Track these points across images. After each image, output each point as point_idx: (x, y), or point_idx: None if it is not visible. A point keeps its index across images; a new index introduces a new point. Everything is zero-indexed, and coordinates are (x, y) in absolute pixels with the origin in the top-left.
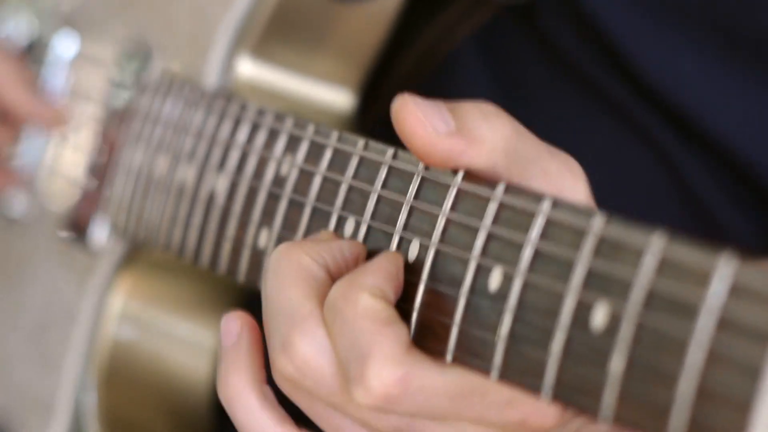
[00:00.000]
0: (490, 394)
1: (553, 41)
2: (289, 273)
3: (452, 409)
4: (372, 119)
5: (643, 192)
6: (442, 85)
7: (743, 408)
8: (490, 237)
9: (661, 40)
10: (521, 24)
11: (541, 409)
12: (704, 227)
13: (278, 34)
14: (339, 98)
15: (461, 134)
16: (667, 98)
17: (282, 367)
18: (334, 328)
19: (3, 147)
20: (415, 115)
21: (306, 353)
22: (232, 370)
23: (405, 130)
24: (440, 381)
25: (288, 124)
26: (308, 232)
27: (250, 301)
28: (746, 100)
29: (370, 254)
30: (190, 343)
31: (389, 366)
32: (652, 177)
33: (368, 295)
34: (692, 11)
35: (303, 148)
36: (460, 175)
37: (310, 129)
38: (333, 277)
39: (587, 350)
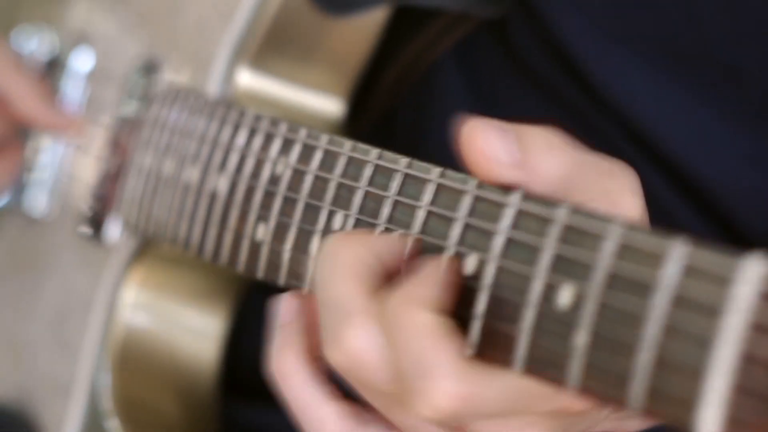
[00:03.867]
0: (540, 389)
1: (522, 55)
2: (341, 267)
3: (506, 410)
4: (361, 125)
5: None
6: (423, 95)
7: (696, 376)
8: (465, 227)
9: (617, 58)
10: (495, 38)
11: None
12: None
13: (274, 47)
14: (330, 106)
15: (523, 167)
16: (621, 110)
17: (334, 358)
18: (393, 340)
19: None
20: (480, 143)
21: (357, 347)
22: (285, 346)
23: (470, 156)
24: (499, 390)
25: (282, 129)
26: (302, 225)
27: (252, 291)
28: (690, 112)
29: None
30: (197, 329)
31: (452, 383)
32: None
33: (426, 309)
34: (646, 32)
35: (296, 150)
36: (438, 171)
37: (303, 132)
38: (386, 269)
39: (554, 326)
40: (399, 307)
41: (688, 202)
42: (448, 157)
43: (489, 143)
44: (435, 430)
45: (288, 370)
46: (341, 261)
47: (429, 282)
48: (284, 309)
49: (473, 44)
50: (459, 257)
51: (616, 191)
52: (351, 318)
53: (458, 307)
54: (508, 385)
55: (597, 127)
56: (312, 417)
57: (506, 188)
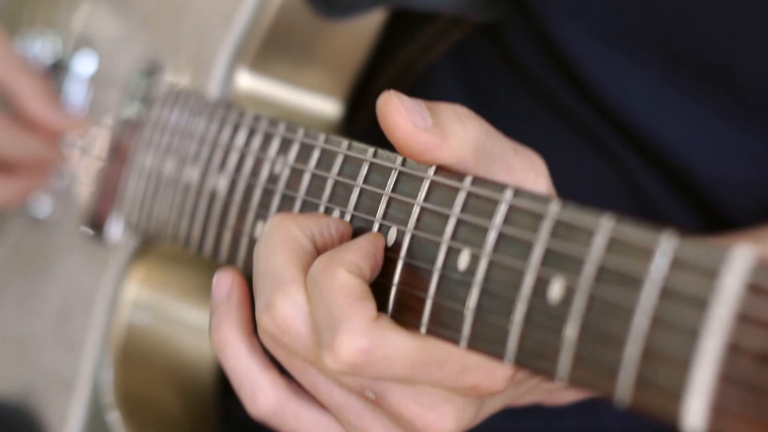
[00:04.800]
0: (448, 363)
1: (517, 57)
2: (278, 240)
3: (412, 375)
4: (357, 126)
5: (598, 194)
6: (419, 97)
7: (683, 366)
8: (459, 222)
9: (613, 60)
10: (490, 41)
11: (492, 376)
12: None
13: (273, 50)
14: (327, 107)
15: (437, 130)
16: (617, 111)
17: (264, 323)
18: (313, 297)
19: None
20: (397, 109)
21: (285, 313)
22: (223, 320)
23: (388, 122)
24: (401, 351)
25: (281, 129)
26: None
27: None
28: (686, 114)
29: (355, 234)
30: (196, 326)
31: (356, 337)
32: (605, 181)
33: (345, 271)
34: (641, 34)
35: (294, 149)
36: (433, 168)
37: (300, 132)
38: (318, 250)
39: (545, 319)
40: (321, 265)
41: (682, 199)
42: None
43: (405, 107)
44: (349, 398)
45: (226, 341)
46: (276, 237)
47: (352, 249)
48: (220, 285)
49: (469, 47)
50: (452, 253)
51: (519, 168)
52: (283, 286)
53: (451, 301)
54: (411, 347)
55: (592, 128)
56: (248, 386)
57: (460, 176)
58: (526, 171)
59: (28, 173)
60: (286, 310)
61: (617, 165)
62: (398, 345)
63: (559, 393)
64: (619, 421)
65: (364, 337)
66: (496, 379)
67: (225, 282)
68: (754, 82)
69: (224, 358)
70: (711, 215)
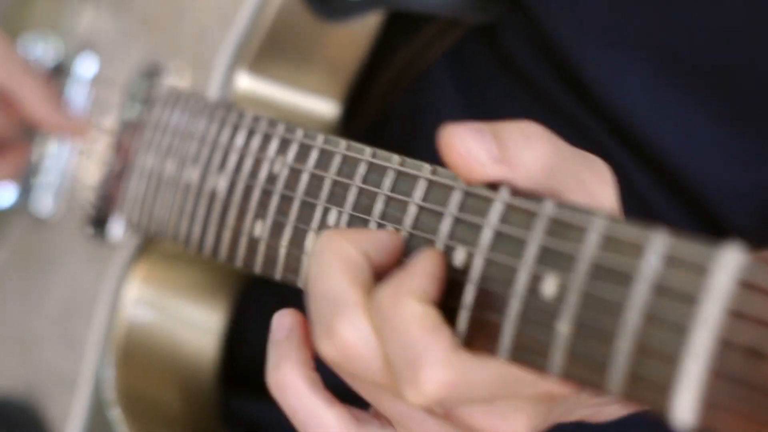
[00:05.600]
0: (525, 379)
1: (513, 58)
2: (333, 260)
3: (493, 395)
4: (355, 127)
5: None
6: (416, 98)
7: (674, 361)
8: (455, 221)
9: (610, 61)
10: (486, 42)
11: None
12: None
13: (272, 52)
14: (325, 108)
15: (504, 162)
16: (613, 113)
17: (326, 351)
18: (383, 331)
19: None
20: (457, 147)
21: (349, 339)
22: (283, 359)
23: (451, 161)
24: (485, 376)
25: (280, 129)
26: (298, 222)
27: (251, 285)
28: (682, 116)
29: (405, 246)
30: (197, 323)
31: (441, 371)
32: None
33: (415, 301)
34: (639, 36)
35: (293, 149)
36: (430, 168)
37: (299, 133)
38: (374, 266)
39: (539, 316)
40: (389, 298)
41: (677, 201)
42: (440, 160)
43: (467, 145)
44: (424, 417)
45: (286, 383)
46: (329, 257)
47: (417, 274)
48: (280, 324)
49: (465, 49)
50: (448, 251)
51: (591, 181)
52: (343, 310)
53: (447, 299)
54: (493, 371)
55: (588, 129)
56: (315, 424)
57: (493, 186)
58: (598, 183)
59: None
60: (349, 335)
61: (613, 166)
62: (482, 370)
63: (605, 409)
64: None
65: (448, 368)
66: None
67: (285, 321)
68: (751, 86)
69: (285, 398)
70: (705, 217)
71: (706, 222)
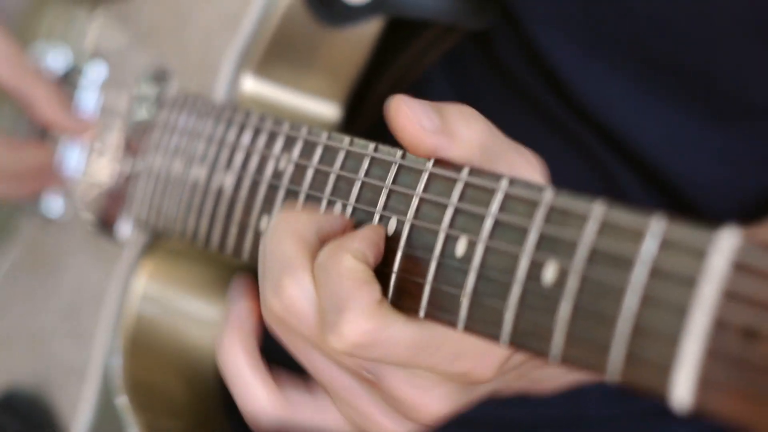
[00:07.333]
0: (443, 348)
1: (504, 64)
2: (285, 232)
3: (410, 358)
4: (355, 129)
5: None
6: None
7: (671, 342)
8: (456, 211)
9: (592, 66)
10: (480, 48)
11: (482, 364)
12: None
13: (276, 55)
14: (327, 111)
15: (444, 132)
16: (597, 115)
17: (272, 305)
18: (320, 281)
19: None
20: (406, 113)
21: (292, 295)
22: (232, 330)
23: (397, 126)
24: (402, 334)
25: (285, 127)
26: None
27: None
28: (663, 117)
29: (356, 229)
30: (202, 318)
31: (361, 318)
32: (587, 183)
33: (351, 256)
34: (619, 41)
35: (298, 146)
36: (431, 161)
37: (304, 130)
38: (322, 240)
39: (539, 301)
40: (329, 251)
41: (660, 200)
42: None
43: (414, 112)
44: (351, 381)
45: (229, 354)
46: (285, 228)
47: (357, 238)
48: (233, 292)
49: (460, 55)
50: (450, 240)
51: (519, 165)
52: (291, 270)
53: (448, 286)
54: (412, 332)
55: (574, 132)
56: (248, 397)
57: (457, 167)
58: (526, 168)
59: (34, 177)
60: (294, 291)
61: (599, 168)
62: (400, 328)
63: (544, 382)
64: (603, 409)
65: (368, 318)
66: (486, 368)
67: (239, 290)
68: (729, 86)
69: (227, 367)
70: (688, 214)
71: (689, 218)
